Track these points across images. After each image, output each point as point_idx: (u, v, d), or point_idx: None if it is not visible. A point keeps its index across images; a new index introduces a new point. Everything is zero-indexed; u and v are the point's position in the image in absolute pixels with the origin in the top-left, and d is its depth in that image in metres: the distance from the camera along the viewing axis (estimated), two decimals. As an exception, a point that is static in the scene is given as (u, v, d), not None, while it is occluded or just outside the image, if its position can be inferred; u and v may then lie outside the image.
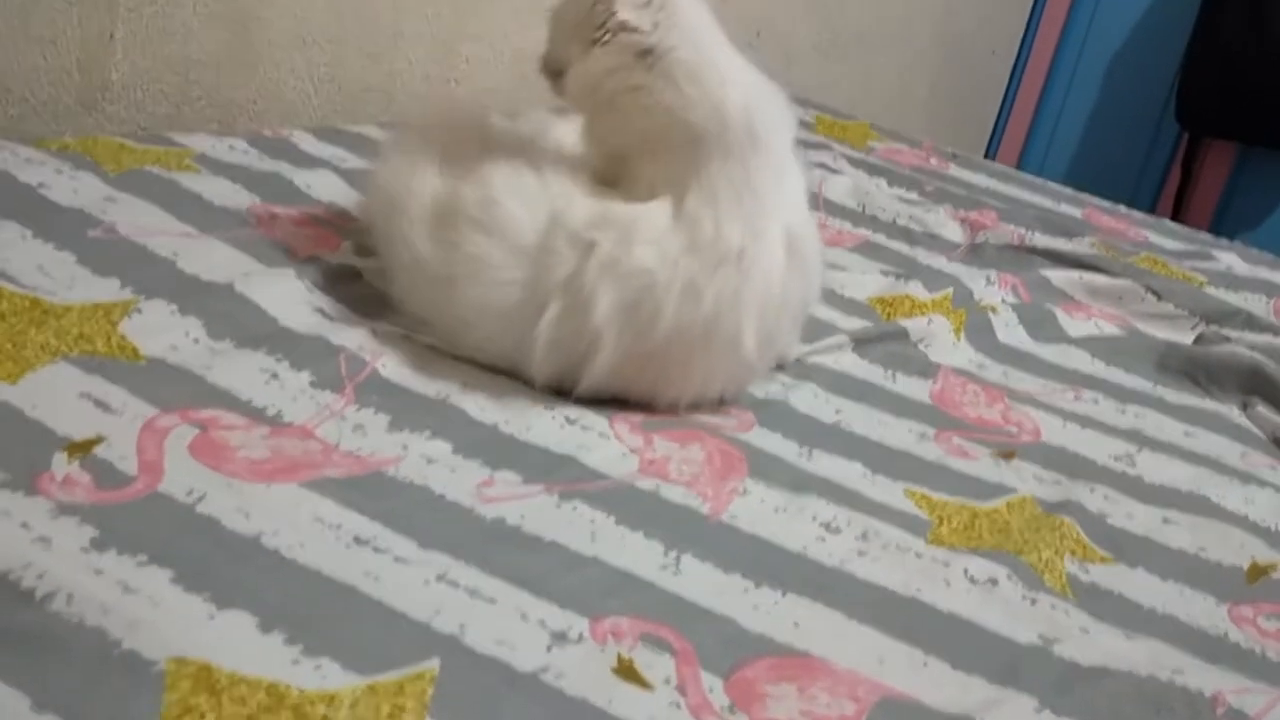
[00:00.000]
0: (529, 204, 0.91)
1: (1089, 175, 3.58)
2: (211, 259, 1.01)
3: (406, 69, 1.70)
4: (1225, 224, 3.45)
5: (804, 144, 1.90)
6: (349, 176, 1.30)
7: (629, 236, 0.88)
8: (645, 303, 0.88)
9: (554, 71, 0.97)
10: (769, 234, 0.92)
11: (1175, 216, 3.42)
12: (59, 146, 1.18)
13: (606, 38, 0.90)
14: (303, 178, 1.28)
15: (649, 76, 0.90)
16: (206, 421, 0.77)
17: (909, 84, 3.07)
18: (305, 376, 0.86)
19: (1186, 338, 1.38)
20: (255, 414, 0.80)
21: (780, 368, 1.07)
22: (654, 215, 0.90)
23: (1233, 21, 3.10)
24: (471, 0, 1.74)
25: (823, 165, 1.79)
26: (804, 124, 2.03)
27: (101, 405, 0.76)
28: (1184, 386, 1.25)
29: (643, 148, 0.93)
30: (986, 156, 3.66)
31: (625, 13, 0.89)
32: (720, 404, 0.97)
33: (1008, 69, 3.61)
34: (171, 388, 0.80)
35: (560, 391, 0.92)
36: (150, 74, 1.41)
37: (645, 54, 0.90)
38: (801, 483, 0.87)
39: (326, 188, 1.27)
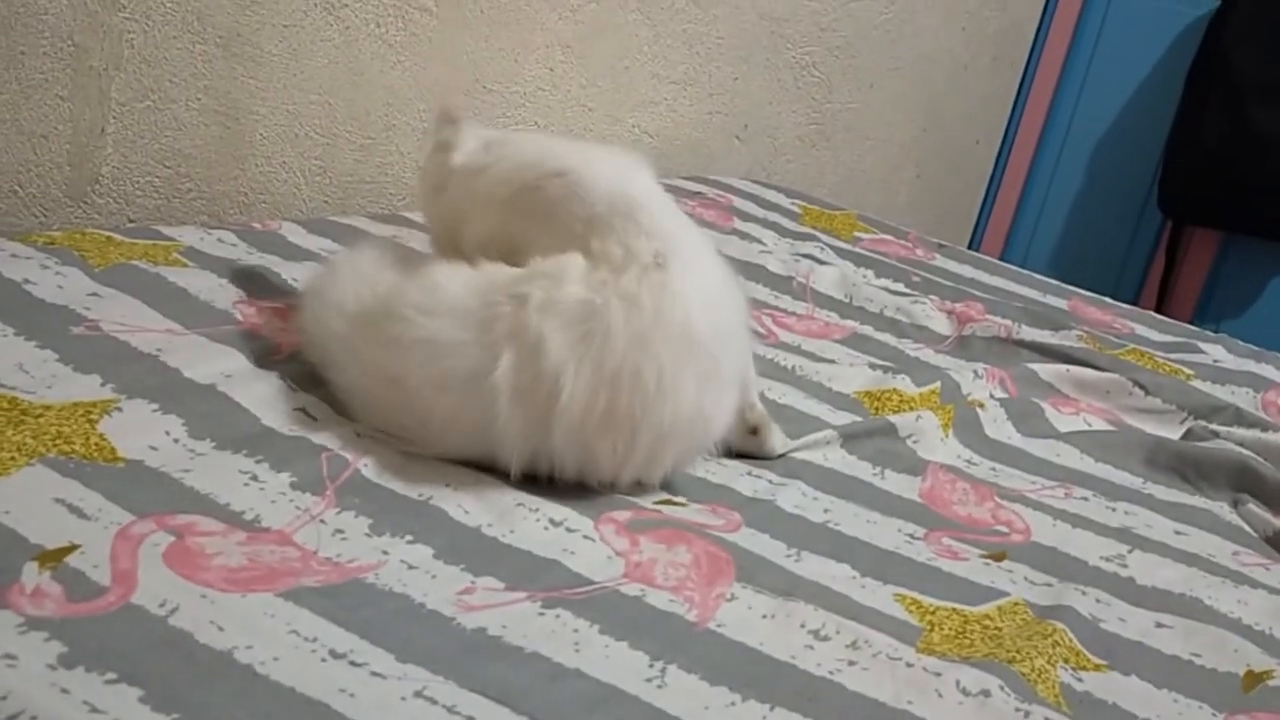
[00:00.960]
0: (466, 282, 0.96)
1: (1073, 264, 3.63)
2: (195, 356, 1.00)
3: (398, 160, 1.71)
4: (1210, 311, 3.48)
5: (791, 234, 1.93)
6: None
7: (557, 281, 0.92)
8: (594, 326, 0.90)
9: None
10: (684, 242, 0.99)
11: (1160, 304, 3.45)
12: (45, 241, 1.18)
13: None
14: (290, 271, 1.28)
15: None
16: (182, 528, 0.75)
17: (894, 173, 3.12)
18: (286, 478, 0.85)
19: (1175, 433, 1.38)
20: (233, 519, 0.79)
21: (766, 462, 1.07)
22: (570, 262, 0.95)
23: (1213, 111, 3.16)
24: (465, 93, 1.77)
25: (809, 256, 1.80)
26: (790, 214, 2.06)
27: (76, 511, 0.75)
28: (1174, 483, 1.24)
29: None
30: (971, 246, 3.70)
31: (460, 159, 1.11)
32: (700, 418, 0.95)
33: (992, 157, 3.67)
34: (149, 492, 0.79)
35: (535, 478, 0.91)
36: (141, 167, 1.42)
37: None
38: (790, 586, 0.86)
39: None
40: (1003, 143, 3.71)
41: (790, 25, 2.45)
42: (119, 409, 0.89)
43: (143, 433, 0.86)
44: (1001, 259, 3.56)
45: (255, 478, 0.84)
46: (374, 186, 1.70)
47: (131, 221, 1.42)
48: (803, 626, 0.81)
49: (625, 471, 0.93)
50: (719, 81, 2.31)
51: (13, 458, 0.79)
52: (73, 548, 0.71)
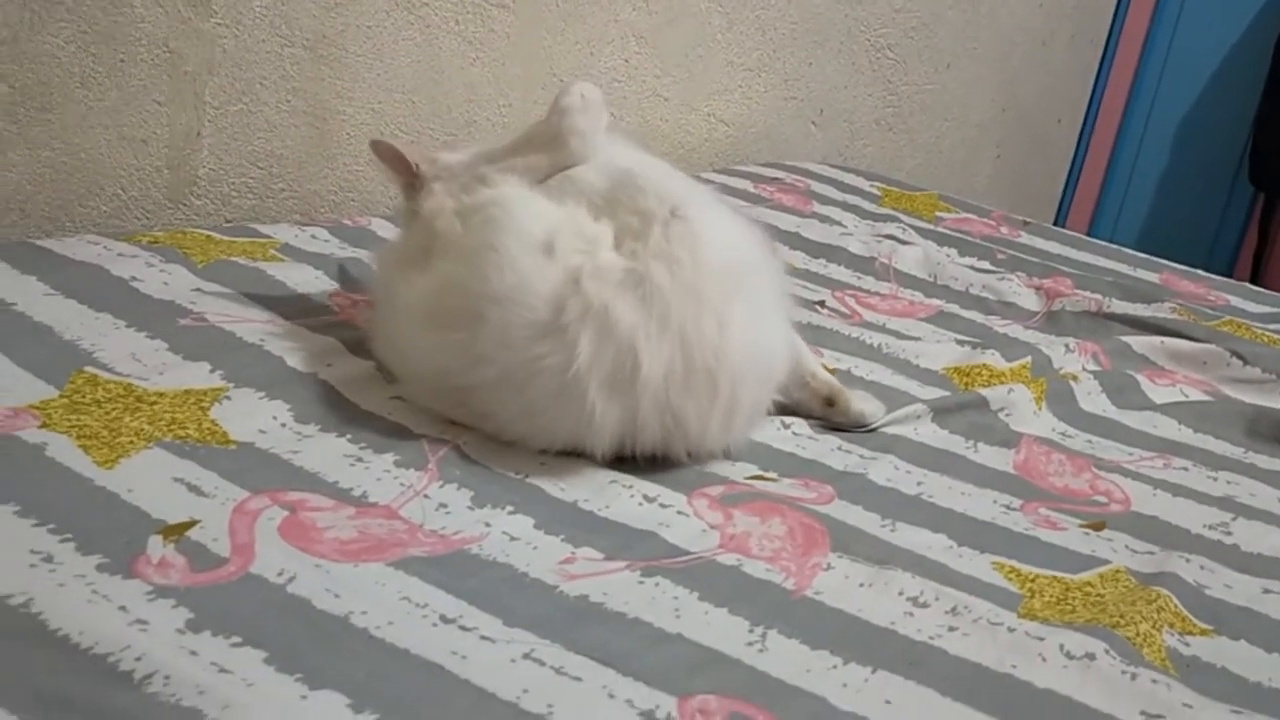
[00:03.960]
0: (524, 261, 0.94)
1: (1162, 240, 3.54)
2: (296, 346, 1.04)
3: (479, 155, 1.74)
4: (1306, 283, 3.37)
5: (870, 216, 1.91)
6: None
7: (593, 248, 0.94)
8: (646, 291, 0.90)
9: None
10: (690, 193, 1.02)
11: (1254, 277, 3.35)
12: (150, 240, 1.23)
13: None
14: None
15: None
16: (295, 504, 0.78)
17: (974, 154, 3.07)
18: (389, 458, 0.87)
19: (1276, 401, 1.35)
20: (342, 495, 0.81)
21: (857, 436, 1.07)
22: (599, 231, 0.96)
23: (1303, 82, 3.06)
24: (542, 88, 1.79)
25: (890, 237, 1.79)
26: (870, 196, 2.05)
27: (194, 489, 0.78)
28: (1276, 452, 1.21)
29: None
30: (1055, 225, 3.64)
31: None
32: (763, 349, 0.97)
33: (1074, 136, 3.60)
34: (261, 471, 0.82)
35: (623, 458, 0.92)
36: (235, 169, 1.47)
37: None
38: (886, 555, 0.86)
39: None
40: (1085, 119, 3.64)
41: (864, 7, 2.44)
42: (228, 396, 0.92)
43: (252, 417, 0.90)
44: (1089, 233, 3.51)
45: (360, 459, 0.87)
46: (457, 181, 1.72)
47: (229, 221, 1.47)
48: (901, 594, 0.81)
49: (711, 427, 0.94)
50: (793, 67, 2.30)
51: (131, 441, 0.82)
52: (193, 523, 0.74)
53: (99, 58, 1.30)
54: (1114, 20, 3.54)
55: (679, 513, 0.88)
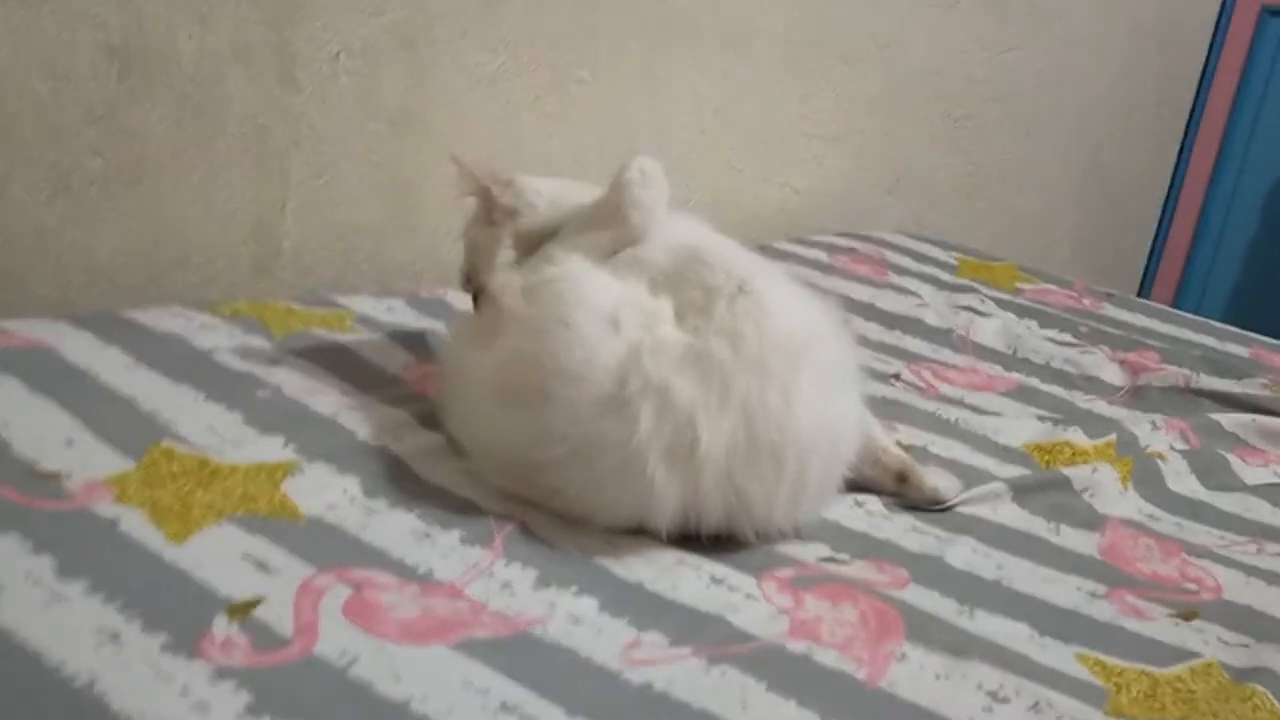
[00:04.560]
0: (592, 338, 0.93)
1: (1251, 311, 3.43)
2: (368, 418, 1.05)
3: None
4: None
5: (948, 287, 1.89)
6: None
7: (653, 322, 0.94)
8: (707, 367, 0.90)
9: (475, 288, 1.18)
10: (756, 267, 1.03)
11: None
12: (232, 311, 1.25)
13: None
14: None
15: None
16: (360, 581, 0.78)
17: (1054, 223, 3.02)
18: (456, 534, 0.87)
19: (1375, 485, 1.28)
20: (407, 572, 0.81)
21: (934, 516, 1.04)
22: (660, 306, 0.96)
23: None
24: (618, 158, 1.80)
25: (969, 308, 1.76)
26: (947, 266, 2.02)
27: (262, 566, 0.78)
28: (1381, 539, 1.15)
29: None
30: (1139, 295, 3.55)
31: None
32: (831, 424, 0.95)
33: (1159, 203, 3.53)
34: (328, 546, 0.82)
35: (689, 537, 0.91)
36: (318, 241, 1.50)
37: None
38: (963, 645, 0.83)
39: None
40: (1170, 188, 3.57)
41: (941, 79, 2.43)
42: (300, 470, 0.93)
43: (322, 491, 0.90)
44: (1175, 304, 3.42)
45: (427, 535, 0.86)
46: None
47: (310, 291, 1.50)
48: (979, 687, 0.78)
49: (778, 503, 0.92)
50: (869, 137, 2.30)
51: (203, 515, 0.83)
52: (258, 600, 0.74)
53: (190, 133, 1.35)
54: (1199, 87, 3.48)
55: (748, 596, 0.86)
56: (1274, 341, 1.84)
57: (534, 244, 1.12)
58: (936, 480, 1.08)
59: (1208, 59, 3.45)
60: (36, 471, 0.85)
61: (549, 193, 1.17)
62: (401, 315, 1.38)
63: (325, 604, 0.75)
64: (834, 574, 0.91)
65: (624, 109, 1.81)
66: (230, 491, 0.87)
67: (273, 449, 0.96)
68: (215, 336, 1.18)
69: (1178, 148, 3.49)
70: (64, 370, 1.04)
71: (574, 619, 0.79)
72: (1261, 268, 3.50)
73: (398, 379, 1.17)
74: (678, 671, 0.74)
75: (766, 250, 1.95)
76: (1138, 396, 1.49)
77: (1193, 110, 3.47)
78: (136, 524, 0.80)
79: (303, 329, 1.25)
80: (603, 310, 0.93)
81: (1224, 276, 3.56)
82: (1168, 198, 3.57)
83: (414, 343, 1.28)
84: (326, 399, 1.08)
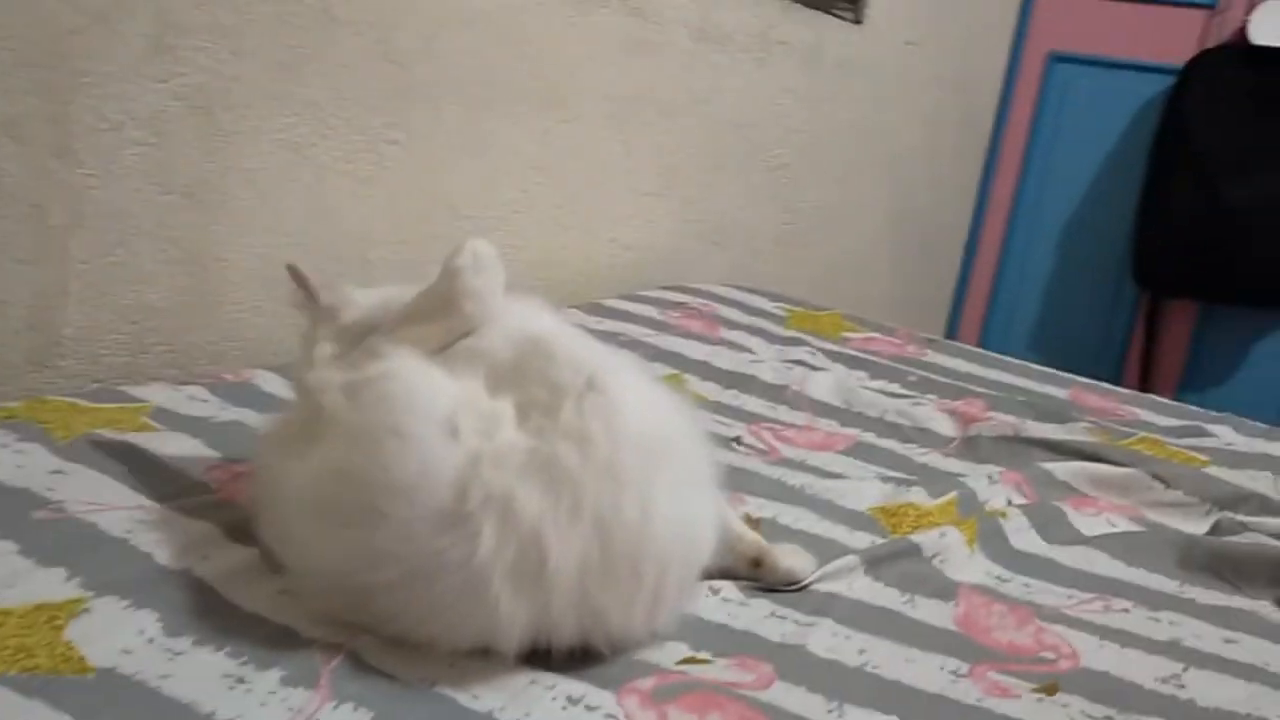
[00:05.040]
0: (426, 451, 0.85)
1: (1053, 345, 3.61)
2: (167, 536, 0.93)
3: (371, 296, 1.66)
4: (1194, 381, 3.46)
5: (779, 340, 1.88)
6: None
7: (491, 427, 0.86)
8: (554, 475, 0.82)
9: None
10: (607, 360, 0.94)
11: (1143, 378, 3.42)
12: (4, 415, 1.11)
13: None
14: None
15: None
16: (163, 748, 0.67)
17: (869, 267, 3.10)
18: (275, 675, 0.77)
19: (1201, 526, 1.32)
20: (220, 731, 0.70)
21: (791, 598, 1.00)
22: (499, 409, 0.88)
23: (1180, 187, 3.18)
24: (437, 226, 1.73)
25: (800, 362, 1.76)
26: (776, 318, 2.02)
27: (42, 741, 0.67)
28: (1211, 583, 1.18)
29: None
30: (949, 334, 3.69)
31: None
32: (691, 527, 0.89)
33: (962, 245, 3.68)
34: (123, 706, 0.71)
35: (536, 654, 0.83)
36: (106, 325, 1.36)
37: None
38: (836, 753, 0.78)
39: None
40: (971, 228, 3.73)
41: (759, 130, 2.45)
42: (87, 609, 0.81)
43: (114, 634, 0.79)
44: (980, 344, 3.56)
45: (241, 679, 0.76)
46: (349, 324, 1.64)
47: (97, 382, 1.36)
48: (858, 801, 0.73)
49: (635, 616, 0.86)
50: (693, 189, 2.29)
51: (-31, 680, 0.71)
52: (39, 790, 0.62)
53: (-51, 216, 1.20)
54: (994, 132, 3.65)
55: (607, 716, 0.79)
56: (1088, 381, 1.90)
57: (358, 339, 1.03)
58: (790, 561, 1.04)
59: (1001, 105, 3.64)
60: None
61: (376, 297, 1.07)
62: (204, 406, 1.25)
63: (121, 785, 0.64)
64: (697, 679, 0.85)
65: (443, 170, 1.73)
66: (3, 644, 0.75)
67: (52, 585, 0.83)
68: (-17, 447, 1.04)
69: (977, 191, 3.65)
70: None
71: (417, 767, 0.70)
72: (1059, 303, 3.69)
73: (201, 484, 1.05)
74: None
75: (598, 308, 1.91)
76: (970, 447, 1.50)
77: (989, 154, 3.64)
78: (-119, 701, 0.68)
79: (89, 430, 1.12)
80: (438, 416, 0.85)
81: (1025, 313, 3.74)
82: (970, 240, 3.73)
83: (219, 438, 1.16)
84: (117, 515, 0.96)
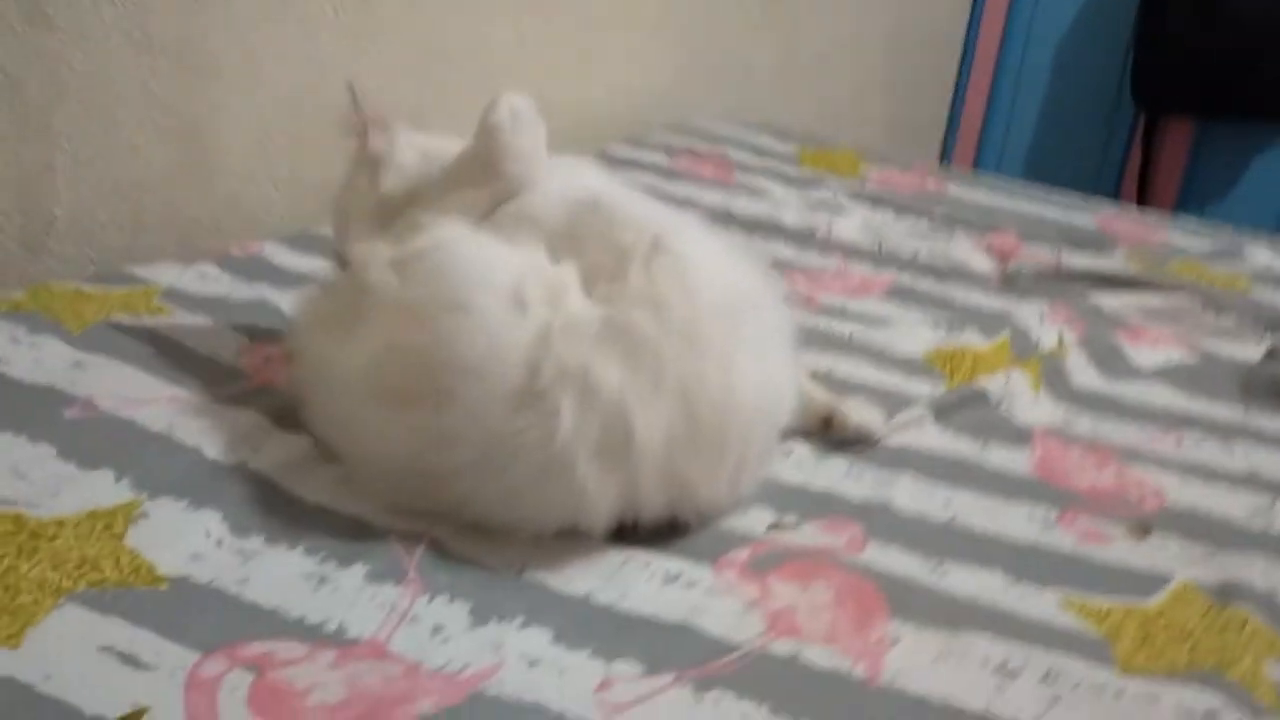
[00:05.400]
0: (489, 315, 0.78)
1: (1048, 166, 3.53)
2: (212, 429, 0.87)
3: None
4: (1191, 200, 3.41)
5: (797, 182, 1.80)
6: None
7: (556, 296, 0.80)
8: (631, 343, 0.77)
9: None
10: (667, 218, 0.89)
11: (1140, 195, 3.38)
12: (9, 307, 1.03)
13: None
14: (286, 300, 1.14)
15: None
16: (259, 659, 0.63)
17: (865, 93, 3.00)
18: (358, 571, 0.72)
19: (1255, 353, 1.29)
20: (313, 634, 0.66)
21: (864, 453, 0.96)
22: (563, 273, 0.82)
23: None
24: (431, 75, 1.61)
25: (824, 204, 1.68)
26: (789, 158, 1.94)
27: (130, 660, 0.62)
28: (1277, 410, 1.15)
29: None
30: (944, 157, 3.61)
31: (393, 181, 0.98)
32: (773, 387, 0.85)
33: (954, 68, 3.56)
34: (207, 617, 0.66)
35: (620, 531, 0.79)
36: (97, 203, 1.27)
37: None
38: (950, 615, 0.75)
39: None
40: (964, 49, 3.60)
41: (755, -44, 2.31)
42: (144, 514, 0.75)
43: (179, 539, 0.73)
44: (975, 165, 3.48)
45: (323, 578, 0.71)
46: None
47: (95, 264, 1.27)
48: (985, 664, 0.70)
49: (723, 485, 0.82)
50: (690, 24, 2.17)
51: (36, 600, 0.65)
52: (140, 713, 0.58)
53: (-82, 91, 1.09)
54: (987, -53, 3.49)
55: (709, 591, 0.75)
56: (1113, 206, 1.85)
57: (397, 210, 0.95)
58: (861, 415, 0.99)
59: (993, -82, 3.46)
60: None
61: (422, 147, 0.99)
62: (216, 283, 1.18)
63: (224, 699, 0.60)
64: (789, 546, 0.81)
65: (434, 19, 1.61)
66: (62, 558, 0.69)
67: (101, 489, 0.78)
68: (-6, 343, 0.96)
69: (969, 9, 3.51)
70: None
71: (529, 660, 0.66)
72: (1055, 122, 3.60)
73: (234, 370, 0.99)
74: (666, 709, 0.63)
75: (604, 157, 1.81)
76: (1010, 283, 1.45)
77: (983, -29, 3.49)
78: (-52, 630, 0.62)
79: (102, 318, 1.04)
80: (503, 287, 0.78)
81: (1020, 134, 3.65)
82: (962, 60, 3.61)
83: (243, 318, 1.09)
84: (154, 410, 0.89)
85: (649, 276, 0.80)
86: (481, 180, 0.92)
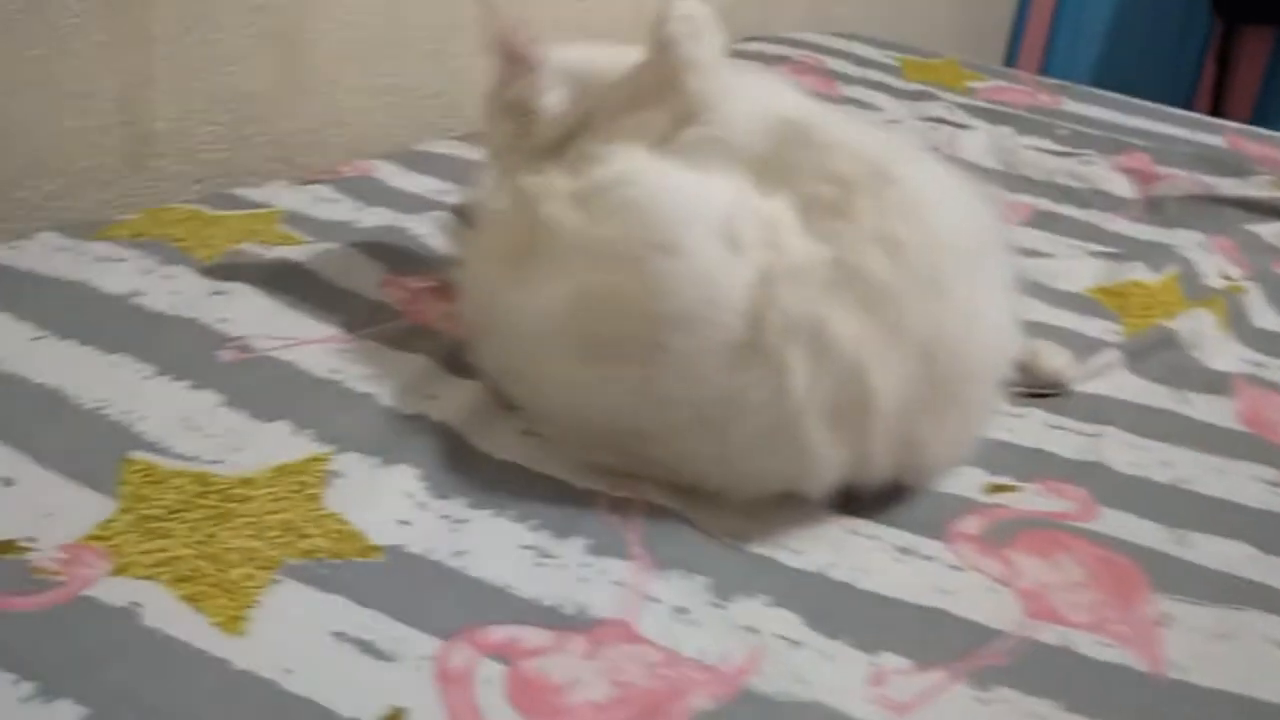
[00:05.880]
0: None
1: (1119, 72, 3.40)
2: (381, 373, 0.80)
3: (466, 65, 1.46)
4: (1268, 113, 3.29)
5: (904, 95, 1.70)
6: (459, 213, 1.09)
7: (773, 234, 0.71)
8: (867, 290, 0.69)
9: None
10: (883, 142, 0.81)
11: (1214, 108, 3.25)
12: (131, 234, 0.96)
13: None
14: (415, 226, 1.06)
15: None
16: (505, 648, 0.57)
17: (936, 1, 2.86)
18: (578, 544, 0.66)
19: None
20: (552, 619, 0.60)
21: (1054, 403, 0.89)
22: (776, 209, 0.73)
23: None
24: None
25: (940, 119, 1.59)
26: (890, 69, 1.83)
27: (369, 649, 0.56)
28: None
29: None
30: (1009, 61, 3.47)
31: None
32: (1005, 334, 0.78)
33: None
34: (436, 596, 0.60)
35: (850, 499, 0.73)
36: (199, 115, 1.18)
37: None
38: (1217, 591, 0.69)
39: (446, 238, 1.05)
40: (1033, -51, 3.44)
41: None
42: (336, 472, 0.69)
43: (380, 501, 0.67)
44: (1043, 71, 3.34)
45: (544, 552, 0.65)
46: (445, 99, 1.45)
47: (198, 182, 1.19)
48: (1274, 646, 0.64)
49: (951, 446, 0.75)
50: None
51: (250, 576, 0.59)
52: (397, 714, 0.52)
53: (18, -7, 1.00)
54: None
55: (951, 567, 0.69)
56: (1240, 126, 1.75)
57: (560, 137, 0.86)
58: (1054, 361, 0.92)
59: None
60: (-19, 546, 0.59)
61: (575, 63, 0.89)
62: (336, 207, 1.10)
63: (482, 696, 0.54)
64: (1020, 513, 0.75)
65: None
66: (265, 525, 0.63)
67: (282, 442, 0.71)
68: (125, 273, 0.89)
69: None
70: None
71: (789, 642, 0.60)
72: (1126, 28, 3.46)
73: (384, 306, 0.92)
74: (950, 710, 0.58)
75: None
76: (1155, 209, 1.37)
77: None
78: (164, 613, 0.56)
79: (231, 245, 0.97)
80: (714, 224, 0.70)
81: (1089, 40, 3.50)
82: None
83: (376, 246, 1.01)
84: (311, 351, 0.83)
85: (879, 211, 0.72)
86: (659, 100, 0.83)
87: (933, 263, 0.71)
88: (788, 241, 0.71)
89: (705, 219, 0.71)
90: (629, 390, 0.70)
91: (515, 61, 0.89)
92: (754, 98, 0.84)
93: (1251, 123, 3.21)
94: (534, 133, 0.88)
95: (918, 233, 0.71)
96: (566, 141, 0.86)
